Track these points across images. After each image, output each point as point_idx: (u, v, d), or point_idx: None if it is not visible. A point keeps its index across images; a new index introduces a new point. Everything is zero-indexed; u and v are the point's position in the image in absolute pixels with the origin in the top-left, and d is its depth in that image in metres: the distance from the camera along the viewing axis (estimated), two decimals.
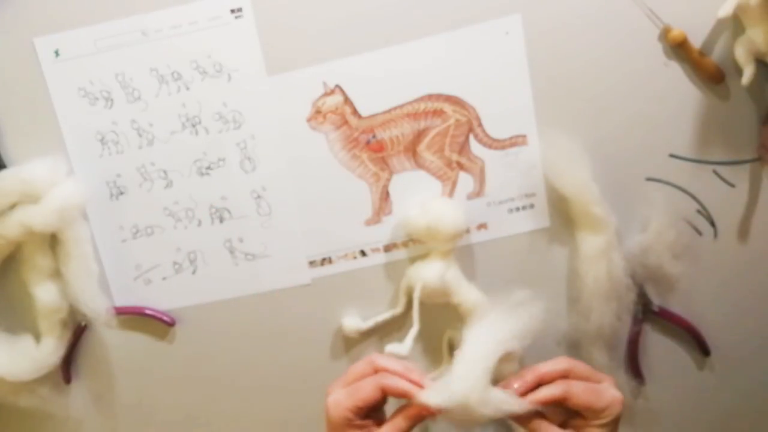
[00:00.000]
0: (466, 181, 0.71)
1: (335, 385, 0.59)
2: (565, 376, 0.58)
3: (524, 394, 0.57)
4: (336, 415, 0.57)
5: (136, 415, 0.75)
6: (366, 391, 0.56)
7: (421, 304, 0.68)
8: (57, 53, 0.69)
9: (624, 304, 0.69)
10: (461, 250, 0.71)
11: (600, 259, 0.67)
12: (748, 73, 0.65)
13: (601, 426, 0.57)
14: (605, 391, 0.57)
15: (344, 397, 0.57)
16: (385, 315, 0.71)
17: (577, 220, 0.69)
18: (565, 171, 0.68)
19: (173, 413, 0.75)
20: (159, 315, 0.72)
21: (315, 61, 0.68)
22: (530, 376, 0.58)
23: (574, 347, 0.71)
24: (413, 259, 0.71)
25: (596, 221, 0.67)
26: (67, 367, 0.73)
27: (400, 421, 0.57)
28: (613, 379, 0.59)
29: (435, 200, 0.70)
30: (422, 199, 0.70)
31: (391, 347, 0.67)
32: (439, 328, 0.71)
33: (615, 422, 0.57)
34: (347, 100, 0.69)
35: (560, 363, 0.59)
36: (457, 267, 0.69)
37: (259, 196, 0.71)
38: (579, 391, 0.57)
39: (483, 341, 0.57)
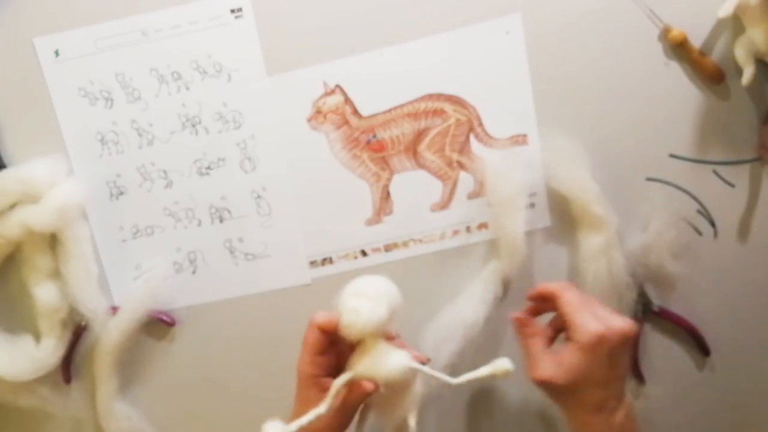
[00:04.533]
0: (466, 181, 0.71)
1: None
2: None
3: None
4: (301, 372, 0.59)
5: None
6: (310, 339, 0.58)
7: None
8: (57, 53, 0.69)
9: (624, 302, 0.69)
10: (462, 250, 0.71)
11: (600, 256, 0.67)
12: (748, 73, 0.65)
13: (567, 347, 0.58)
14: (587, 316, 0.58)
15: (301, 354, 0.59)
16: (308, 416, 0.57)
17: (577, 219, 0.69)
18: (565, 171, 0.68)
19: (173, 413, 0.75)
20: (159, 315, 0.72)
21: (315, 61, 0.69)
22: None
23: None
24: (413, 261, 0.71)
25: (596, 220, 0.67)
26: (67, 367, 0.73)
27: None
28: (616, 326, 0.58)
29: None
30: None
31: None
32: None
33: (580, 352, 0.57)
34: (347, 99, 0.69)
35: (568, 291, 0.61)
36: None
37: (259, 196, 0.71)
38: (568, 299, 0.59)
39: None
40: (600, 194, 0.67)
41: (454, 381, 0.58)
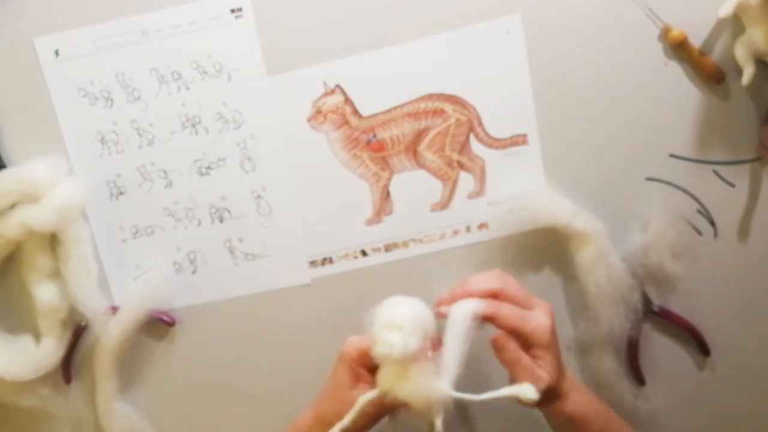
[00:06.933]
0: (466, 181, 0.71)
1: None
2: (496, 295, 0.58)
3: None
4: (344, 351, 0.60)
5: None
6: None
7: None
8: (57, 53, 0.69)
9: (631, 304, 0.69)
10: (462, 250, 0.71)
11: (597, 265, 0.67)
12: (748, 73, 0.65)
13: (534, 354, 0.57)
14: (533, 317, 0.58)
15: (358, 339, 0.60)
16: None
17: (565, 237, 0.69)
18: (538, 207, 0.68)
19: (173, 413, 0.75)
20: (159, 315, 0.72)
21: (315, 61, 0.69)
22: (460, 291, 0.59)
23: (583, 352, 0.72)
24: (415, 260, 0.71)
25: (582, 234, 0.67)
26: (67, 367, 0.73)
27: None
28: (548, 307, 0.59)
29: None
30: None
31: None
32: None
33: (547, 350, 0.57)
34: (347, 99, 0.69)
35: (493, 281, 0.59)
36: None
37: (259, 196, 0.71)
38: (506, 314, 0.57)
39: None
40: (577, 210, 0.67)
41: (477, 398, 0.56)
